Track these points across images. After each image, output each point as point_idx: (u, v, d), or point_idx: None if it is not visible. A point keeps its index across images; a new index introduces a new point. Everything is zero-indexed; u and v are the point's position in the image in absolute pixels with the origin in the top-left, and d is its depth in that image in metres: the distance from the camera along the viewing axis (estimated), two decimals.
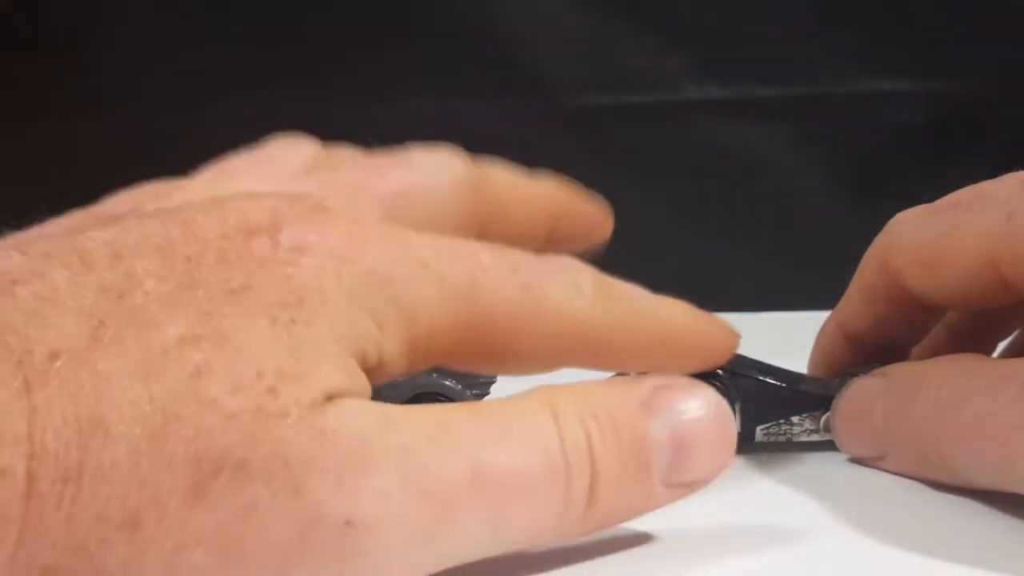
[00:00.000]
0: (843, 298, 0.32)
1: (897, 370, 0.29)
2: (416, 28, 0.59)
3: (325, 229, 0.21)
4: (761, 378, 0.30)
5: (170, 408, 0.18)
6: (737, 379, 0.30)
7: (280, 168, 0.25)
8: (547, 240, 0.28)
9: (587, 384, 0.23)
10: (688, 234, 0.60)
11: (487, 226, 0.26)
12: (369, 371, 0.21)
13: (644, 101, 0.60)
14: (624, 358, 0.24)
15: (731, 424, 0.23)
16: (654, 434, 0.22)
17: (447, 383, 0.31)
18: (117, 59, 0.60)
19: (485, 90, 0.59)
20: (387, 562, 0.19)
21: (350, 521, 0.19)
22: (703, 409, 0.23)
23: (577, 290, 0.23)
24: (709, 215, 0.60)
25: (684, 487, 0.23)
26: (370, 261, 0.21)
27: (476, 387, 0.32)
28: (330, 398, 0.19)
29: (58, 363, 0.17)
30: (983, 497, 0.26)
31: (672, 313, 0.24)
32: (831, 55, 0.59)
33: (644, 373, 0.24)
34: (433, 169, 0.26)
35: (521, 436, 0.21)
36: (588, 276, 0.23)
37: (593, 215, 0.30)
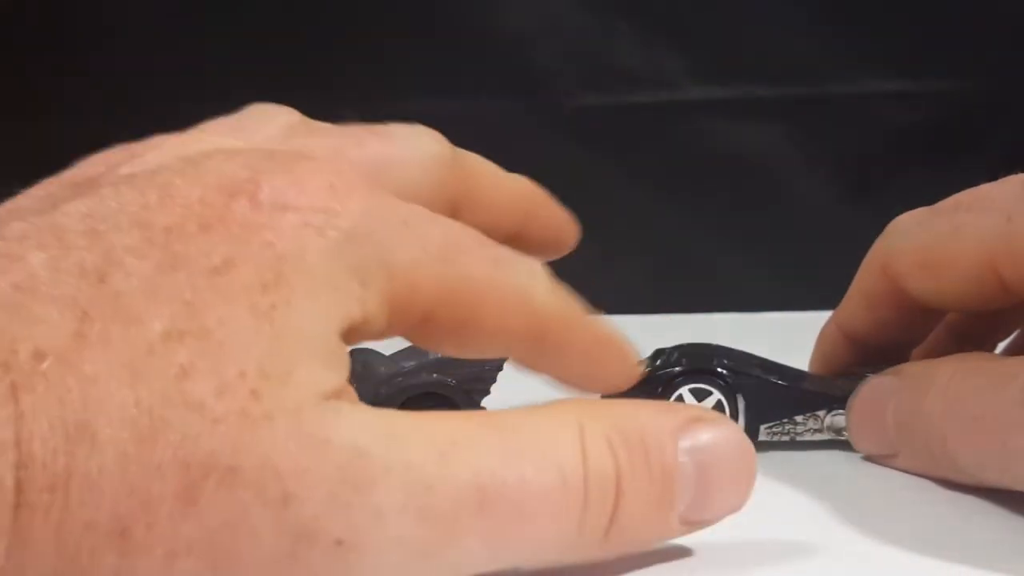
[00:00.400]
0: (843, 300, 0.32)
1: (909, 369, 0.29)
2: (416, 28, 0.59)
3: (305, 180, 0.20)
4: (765, 377, 0.30)
5: (157, 411, 0.17)
6: (741, 378, 0.30)
7: (256, 132, 0.25)
8: (513, 238, 0.28)
9: (620, 403, 0.22)
10: (688, 234, 0.60)
11: (459, 208, 0.26)
12: (352, 331, 0.20)
13: (644, 101, 0.60)
14: (565, 352, 0.24)
15: (754, 466, 0.22)
16: (683, 468, 0.21)
17: (447, 383, 0.31)
18: (117, 59, 0.60)
19: (485, 90, 0.59)
20: None
21: (341, 540, 0.18)
22: (733, 448, 0.22)
23: (537, 278, 0.23)
24: (709, 215, 0.60)
25: (697, 524, 0.22)
26: (354, 213, 0.20)
27: (477, 388, 0.31)
28: (321, 398, 0.19)
29: (44, 364, 0.17)
30: (990, 495, 0.26)
31: (607, 325, 0.25)
32: (831, 55, 0.59)
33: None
34: (411, 143, 0.26)
35: (538, 454, 0.20)
36: (543, 270, 0.23)
37: (562, 222, 0.30)
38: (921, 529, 0.25)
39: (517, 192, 0.28)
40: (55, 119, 0.59)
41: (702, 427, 0.22)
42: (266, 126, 0.25)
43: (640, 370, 0.27)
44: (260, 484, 0.18)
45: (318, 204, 0.20)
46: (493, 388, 0.32)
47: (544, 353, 0.24)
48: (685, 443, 0.21)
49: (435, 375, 0.31)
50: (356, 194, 0.21)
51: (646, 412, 0.22)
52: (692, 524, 0.22)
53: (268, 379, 0.18)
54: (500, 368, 0.32)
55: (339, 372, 0.20)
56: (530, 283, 0.23)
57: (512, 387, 0.31)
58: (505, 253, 0.23)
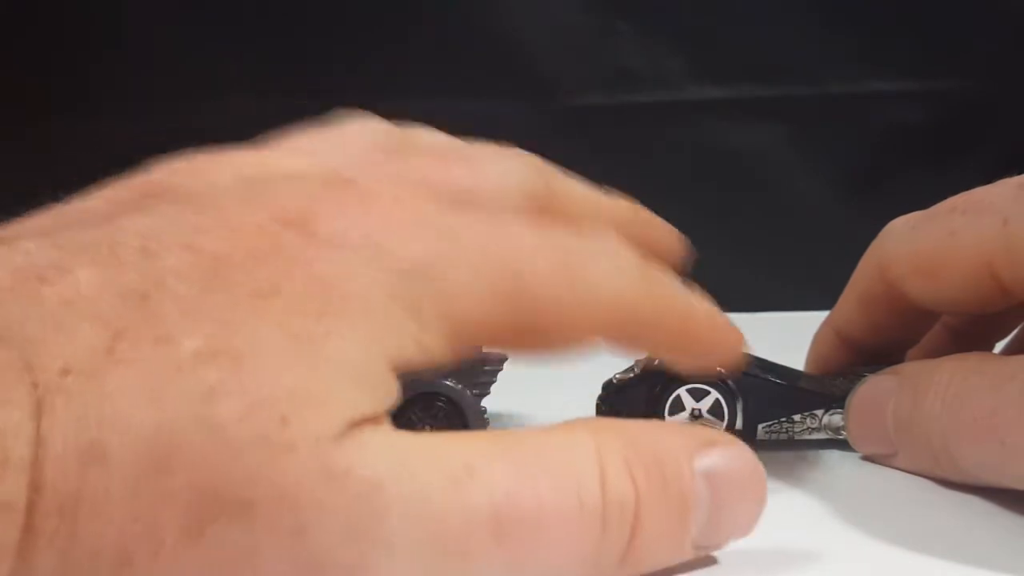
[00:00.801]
0: (838, 303, 0.32)
1: (909, 368, 0.29)
2: (416, 28, 0.59)
3: (358, 217, 0.20)
4: (763, 376, 0.31)
5: (175, 435, 0.17)
6: (739, 376, 0.30)
7: (332, 152, 0.24)
8: None
9: (635, 424, 0.22)
10: (688, 234, 0.60)
11: None
12: (407, 365, 0.20)
13: (644, 101, 0.60)
14: (654, 339, 0.24)
15: (765, 489, 0.22)
16: (698, 493, 0.21)
17: (448, 383, 0.31)
18: (117, 59, 0.60)
19: (485, 90, 0.59)
20: None
21: (353, 571, 0.18)
22: (745, 471, 0.22)
23: (618, 269, 0.22)
24: (709, 215, 0.60)
25: (708, 548, 0.22)
26: (408, 250, 0.20)
27: (478, 387, 0.31)
28: (350, 426, 0.18)
29: (68, 379, 0.17)
30: (990, 495, 0.26)
31: (699, 303, 0.24)
32: (831, 55, 0.59)
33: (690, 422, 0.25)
34: (502, 172, 0.24)
35: (555, 477, 0.20)
36: (629, 255, 0.23)
37: (668, 238, 0.28)
38: (921, 529, 0.25)
39: (617, 216, 0.27)
40: (55, 120, 0.59)
41: (716, 450, 0.22)
42: (347, 146, 0.24)
43: (743, 345, 0.26)
44: (273, 516, 0.17)
45: (371, 240, 0.20)
46: (493, 388, 0.32)
47: (636, 338, 0.23)
48: (699, 465, 0.21)
49: (436, 376, 0.31)
50: (409, 227, 0.20)
51: (661, 433, 0.22)
52: (703, 548, 0.22)
53: (299, 404, 0.18)
54: (500, 368, 0.32)
55: (378, 400, 0.19)
56: (611, 278, 0.22)
57: (512, 387, 0.31)
58: (579, 254, 0.22)
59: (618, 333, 0.23)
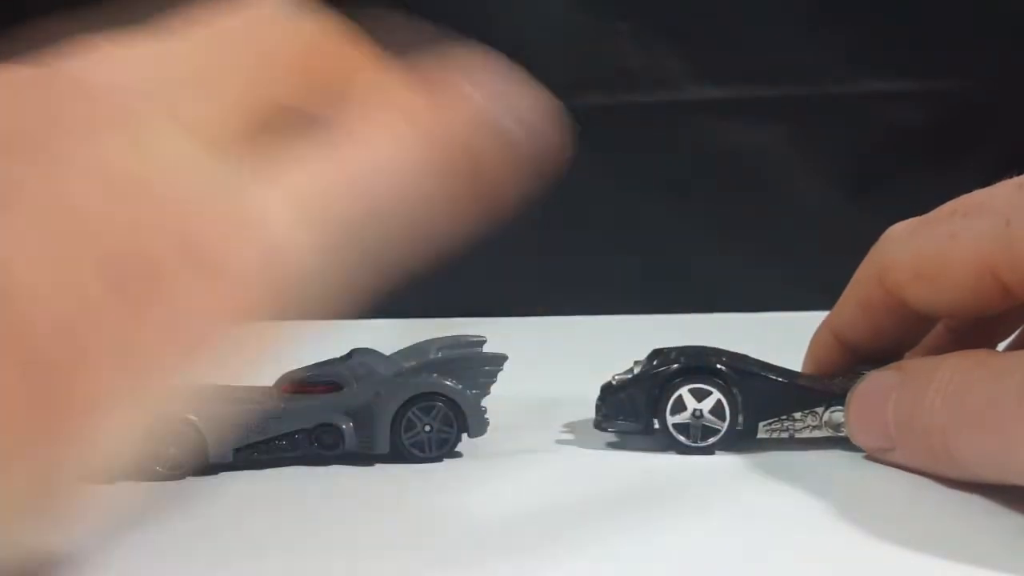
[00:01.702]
0: (836, 307, 0.32)
1: (911, 364, 0.29)
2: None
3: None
4: (764, 375, 0.31)
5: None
6: (740, 376, 0.30)
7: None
8: None
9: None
10: (688, 234, 0.60)
11: None
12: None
13: (644, 101, 0.59)
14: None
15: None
16: None
17: (448, 383, 0.31)
18: None
19: None
20: None
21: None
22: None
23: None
24: (709, 215, 0.60)
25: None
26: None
27: (478, 387, 0.31)
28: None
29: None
30: (990, 495, 0.26)
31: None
32: (831, 55, 0.59)
33: None
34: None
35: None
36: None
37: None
38: (921, 529, 0.25)
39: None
40: None
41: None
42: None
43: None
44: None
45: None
46: (493, 388, 0.32)
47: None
48: None
49: (435, 375, 0.31)
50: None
51: None
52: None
53: None
54: (500, 368, 0.32)
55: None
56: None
57: (512, 387, 0.31)
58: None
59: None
